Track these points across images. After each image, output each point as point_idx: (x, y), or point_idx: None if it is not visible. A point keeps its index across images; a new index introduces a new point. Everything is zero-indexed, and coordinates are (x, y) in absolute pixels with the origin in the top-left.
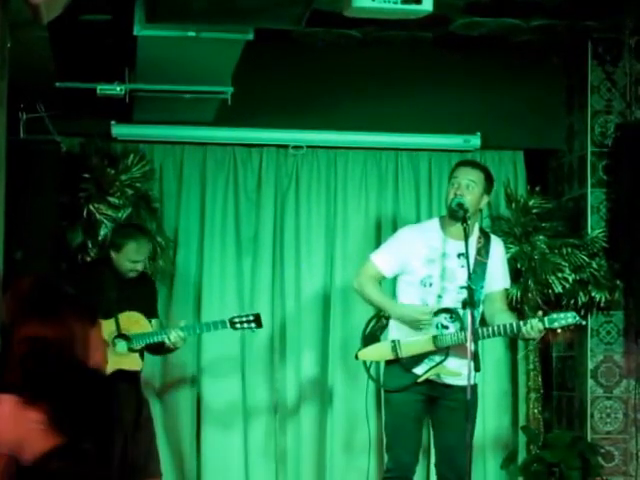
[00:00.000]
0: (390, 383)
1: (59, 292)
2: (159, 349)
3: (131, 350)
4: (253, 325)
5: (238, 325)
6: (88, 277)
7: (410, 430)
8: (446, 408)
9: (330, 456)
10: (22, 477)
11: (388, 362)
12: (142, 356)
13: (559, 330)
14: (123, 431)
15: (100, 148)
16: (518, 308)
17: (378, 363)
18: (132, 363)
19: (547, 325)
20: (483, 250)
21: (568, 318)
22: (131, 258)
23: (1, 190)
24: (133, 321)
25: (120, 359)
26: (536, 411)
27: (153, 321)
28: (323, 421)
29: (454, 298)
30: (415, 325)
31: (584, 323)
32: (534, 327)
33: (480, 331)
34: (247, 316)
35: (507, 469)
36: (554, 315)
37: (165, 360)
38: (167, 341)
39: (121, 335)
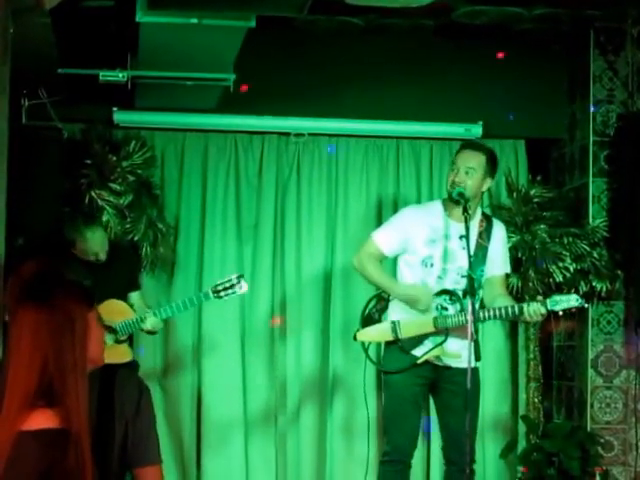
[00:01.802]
0: (389, 365)
1: (56, 277)
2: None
3: (118, 342)
4: (237, 288)
5: (223, 293)
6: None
7: (408, 414)
8: (448, 392)
9: (330, 439)
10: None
11: (388, 343)
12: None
13: (560, 313)
14: (124, 418)
15: (102, 134)
16: (519, 297)
17: (379, 345)
18: (123, 355)
19: (550, 307)
20: (485, 233)
21: (571, 300)
22: (87, 251)
23: (3, 176)
24: (115, 311)
25: (109, 353)
26: (536, 400)
27: (134, 295)
28: (324, 403)
29: (454, 280)
30: (415, 305)
31: (586, 306)
32: (536, 309)
33: (482, 313)
34: (229, 280)
35: (506, 458)
36: (556, 297)
37: (166, 339)
38: (145, 327)
39: (105, 327)
